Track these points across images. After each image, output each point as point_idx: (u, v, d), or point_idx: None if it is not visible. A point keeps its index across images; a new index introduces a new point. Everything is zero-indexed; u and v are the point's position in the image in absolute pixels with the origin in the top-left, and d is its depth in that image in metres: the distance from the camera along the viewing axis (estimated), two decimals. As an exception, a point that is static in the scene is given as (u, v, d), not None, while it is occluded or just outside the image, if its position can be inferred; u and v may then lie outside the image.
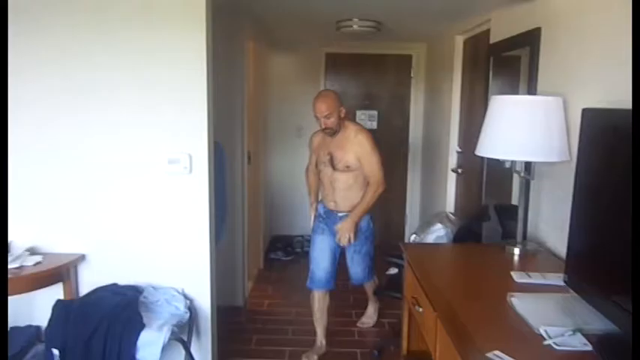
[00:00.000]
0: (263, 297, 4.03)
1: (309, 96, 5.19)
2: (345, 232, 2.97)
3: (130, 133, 2.53)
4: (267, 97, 4.99)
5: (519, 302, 1.58)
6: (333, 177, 3.00)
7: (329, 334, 3.25)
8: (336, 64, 5.30)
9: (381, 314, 3.63)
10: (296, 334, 3.38)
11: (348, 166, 2.94)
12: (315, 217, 3.20)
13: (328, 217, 3.11)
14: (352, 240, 2.97)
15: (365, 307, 3.76)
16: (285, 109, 5.26)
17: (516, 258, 2.10)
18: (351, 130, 2.96)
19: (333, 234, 3.05)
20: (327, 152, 3.01)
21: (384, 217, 5.41)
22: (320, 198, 3.24)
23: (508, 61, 2.93)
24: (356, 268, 3.19)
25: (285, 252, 4.97)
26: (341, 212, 3.05)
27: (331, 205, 3.08)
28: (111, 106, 2.52)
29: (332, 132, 2.92)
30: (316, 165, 3.15)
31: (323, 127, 2.89)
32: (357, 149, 2.92)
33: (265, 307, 3.86)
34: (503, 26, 2.92)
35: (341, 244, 3.03)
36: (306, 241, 5.16)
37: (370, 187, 2.97)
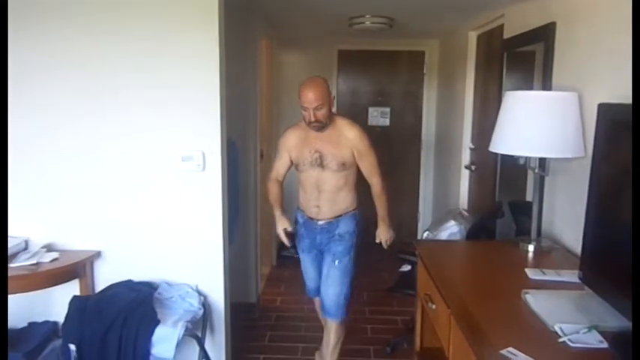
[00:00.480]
0: (276, 294, 4.05)
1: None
2: (385, 237, 2.78)
3: (143, 131, 2.55)
4: (279, 95, 5.00)
5: (534, 299, 1.57)
6: (322, 178, 2.58)
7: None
8: (349, 60, 5.29)
9: (394, 311, 3.63)
10: (309, 331, 3.39)
11: (344, 164, 2.56)
12: (287, 233, 2.70)
13: (307, 229, 2.72)
14: (393, 237, 2.80)
15: (379, 304, 3.77)
16: (298, 107, 5.25)
17: (530, 255, 2.09)
18: (342, 123, 2.59)
19: (315, 244, 2.72)
20: (313, 150, 2.57)
21: (397, 214, 5.39)
22: (299, 206, 2.78)
23: (522, 57, 2.90)
24: (331, 288, 2.64)
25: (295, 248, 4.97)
26: (322, 220, 2.65)
27: (313, 212, 2.65)
28: (124, 106, 2.54)
29: (321, 126, 2.51)
30: (296, 167, 2.68)
31: (312, 119, 2.47)
32: (355, 144, 2.56)
33: (278, 304, 3.88)
34: (517, 21, 2.89)
35: (388, 242, 2.80)
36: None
37: (376, 188, 2.68)
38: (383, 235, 2.76)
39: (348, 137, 2.56)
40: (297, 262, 4.76)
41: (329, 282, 2.65)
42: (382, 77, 5.31)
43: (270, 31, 4.23)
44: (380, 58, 5.25)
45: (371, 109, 5.31)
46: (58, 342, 2.55)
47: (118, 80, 2.52)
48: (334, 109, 2.57)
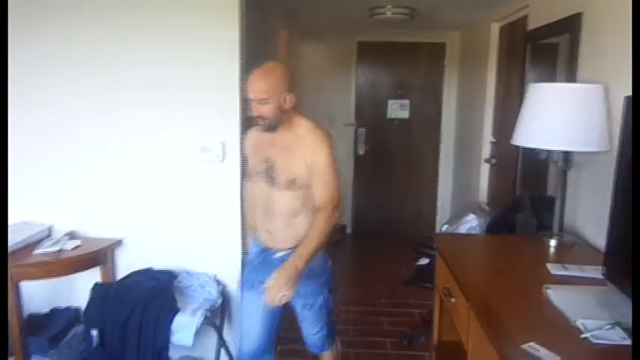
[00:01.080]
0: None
1: (340, 85, 5.24)
2: (275, 287, 1.85)
3: (163, 122, 2.58)
4: (298, 86, 4.99)
5: (555, 294, 1.55)
6: (271, 197, 1.99)
7: (358, 322, 3.25)
8: (368, 52, 5.26)
9: (411, 304, 3.62)
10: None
11: (293, 181, 1.94)
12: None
13: (264, 260, 2.09)
14: (287, 297, 1.88)
15: (394, 296, 3.76)
16: (317, 98, 5.26)
17: (552, 250, 2.06)
18: (301, 126, 1.98)
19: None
20: (263, 158, 2.01)
21: (415, 206, 5.38)
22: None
23: (545, 49, 2.85)
24: (309, 329, 2.20)
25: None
26: (280, 250, 2.03)
27: (264, 238, 2.06)
28: (146, 98, 2.57)
29: (267, 125, 1.95)
30: (248, 178, 2.14)
31: (254, 115, 1.94)
32: (309, 156, 1.93)
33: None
34: (542, 12, 2.83)
35: (269, 304, 1.92)
36: (336, 230, 5.17)
37: (321, 213, 1.93)
38: (277, 277, 1.86)
39: (304, 144, 1.94)
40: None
41: (307, 323, 2.20)
42: (402, 69, 5.27)
43: (290, 22, 4.22)
44: (400, 50, 5.21)
45: (390, 102, 5.28)
46: (79, 328, 2.60)
47: (139, 74, 2.55)
48: (289, 102, 1.96)
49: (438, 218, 5.35)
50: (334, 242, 4.98)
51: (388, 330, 3.36)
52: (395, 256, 4.54)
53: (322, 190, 1.95)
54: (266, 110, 1.91)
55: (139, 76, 2.55)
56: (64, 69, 2.56)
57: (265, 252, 2.08)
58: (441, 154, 5.33)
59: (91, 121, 2.60)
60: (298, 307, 2.14)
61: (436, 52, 5.22)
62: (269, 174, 1.99)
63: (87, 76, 2.56)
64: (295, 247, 1.95)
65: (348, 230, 5.37)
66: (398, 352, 3.09)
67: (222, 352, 2.56)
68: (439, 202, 5.39)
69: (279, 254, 2.03)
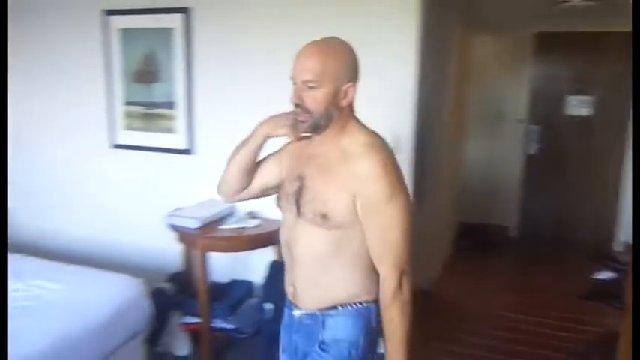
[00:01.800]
0: (452, 284, 3.95)
1: (512, 79, 4.94)
2: None
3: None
4: (466, 80, 4.82)
5: None
6: (295, 232, 1.46)
7: (522, 332, 3.06)
8: (545, 44, 4.86)
9: (585, 321, 3.29)
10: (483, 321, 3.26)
11: (324, 215, 1.37)
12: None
13: (287, 316, 1.60)
14: None
15: (565, 309, 3.47)
16: (486, 94, 5.05)
17: None
18: (354, 140, 1.39)
19: (293, 346, 1.56)
20: (295, 175, 1.47)
21: (592, 212, 4.88)
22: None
23: None
24: None
25: (475, 241, 4.77)
26: (300, 310, 1.51)
27: (289, 292, 1.56)
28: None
29: (310, 124, 1.37)
30: (277, 202, 1.59)
31: (294, 101, 1.38)
32: (361, 187, 1.34)
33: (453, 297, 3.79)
34: None
35: None
36: (496, 231, 4.93)
37: (386, 287, 1.40)
38: None
39: (354, 170, 1.34)
40: (477, 253, 4.58)
41: None
42: (584, 62, 4.80)
43: (463, 16, 4.08)
44: (582, 40, 4.73)
45: (569, 98, 4.85)
46: (252, 300, 2.85)
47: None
48: (349, 97, 1.39)
49: (619, 227, 4.76)
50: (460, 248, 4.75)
51: (555, 344, 3.09)
52: (567, 264, 4.17)
53: (383, 241, 1.38)
54: (310, 98, 1.34)
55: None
56: (236, 61, 2.85)
57: (289, 307, 1.58)
58: (627, 155, 4.74)
59: (268, 111, 2.82)
60: None
61: (627, 43, 4.62)
62: (297, 198, 1.43)
63: (260, 69, 2.80)
64: (319, 310, 1.46)
65: (513, 233, 5.07)
66: (568, 370, 2.85)
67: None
68: (622, 210, 4.80)
69: (298, 314, 1.52)
